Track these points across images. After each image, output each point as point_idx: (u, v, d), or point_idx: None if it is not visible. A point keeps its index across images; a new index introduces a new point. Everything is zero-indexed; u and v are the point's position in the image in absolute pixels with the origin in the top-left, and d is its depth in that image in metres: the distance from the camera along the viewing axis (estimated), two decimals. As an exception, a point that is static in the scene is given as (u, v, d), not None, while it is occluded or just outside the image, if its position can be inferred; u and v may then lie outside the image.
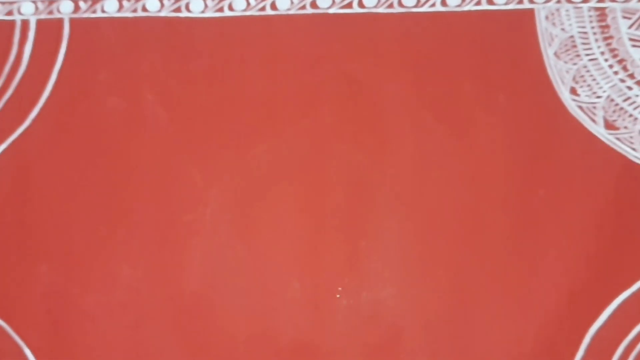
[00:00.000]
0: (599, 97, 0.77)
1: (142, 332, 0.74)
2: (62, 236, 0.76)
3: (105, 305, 0.74)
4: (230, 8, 0.77)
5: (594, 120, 0.77)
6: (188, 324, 0.74)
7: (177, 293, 0.75)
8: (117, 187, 0.76)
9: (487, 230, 0.76)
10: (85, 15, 0.77)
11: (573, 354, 0.75)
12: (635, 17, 0.77)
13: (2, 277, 0.75)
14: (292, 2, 0.77)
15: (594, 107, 0.77)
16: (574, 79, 0.78)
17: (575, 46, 0.78)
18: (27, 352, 0.74)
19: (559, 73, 0.78)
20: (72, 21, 0.77)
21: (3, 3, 0.76)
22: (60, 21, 0.77)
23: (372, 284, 0.76)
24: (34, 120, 0.76)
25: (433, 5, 0.78)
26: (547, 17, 0.78)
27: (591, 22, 0.78)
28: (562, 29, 0.78)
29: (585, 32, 0.78)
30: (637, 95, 0.77)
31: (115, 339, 0.74)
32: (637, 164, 0.76)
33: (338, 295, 0.75)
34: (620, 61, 0.78)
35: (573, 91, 0.78)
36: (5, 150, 0.76)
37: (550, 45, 0.78)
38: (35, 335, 0.74)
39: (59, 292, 0.75)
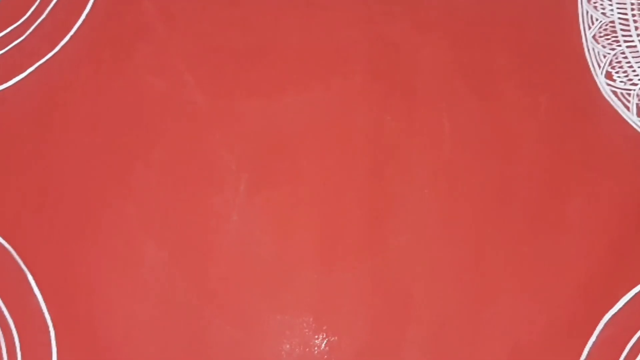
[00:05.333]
0: (634, 84, 0.76)
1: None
2: (81, 180, 0.74)
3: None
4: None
5: (627, 107, 0.76)
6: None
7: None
8: (138, 125, 0.75)
9: (510, 206, 0.75)
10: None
11: (585, 340, 0.73)
12: (677, 9, 0.77)
13: (17, 205, 0.73)
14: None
15: (629, 94, 0.76)
16: (610, 63, 0.77)
17: (614, 31, 0.77)
18: (31, 279, 0.72)
19: (596, 56, 0.77)
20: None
21: None
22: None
23: (389, 248, 0.74)
24: (64, 47, 0.75)
25: (476, -24, 0.78)
26: (589, 0, 0.77)
27: (633, 9, 0.77)
28: (603, 13, 0.77)
29: (626, 19, 0.77)
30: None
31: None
32: (668, 154, 0.75)
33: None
34: (658, 51, 0.77)
35: (609, 76, 0.77)
36: (31, 74, 0.75)
37: (589, 28, 0.77)
38: (42, 268, 0.73)
39: (75, 236, 0.73)
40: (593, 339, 0.73)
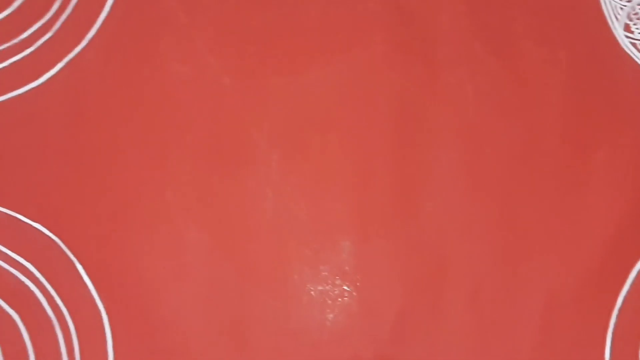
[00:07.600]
0: (652, 34, 0.77)
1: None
2: (118, 169, 0.76)
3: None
4: None
5: (646, 58, 0.77)
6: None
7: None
8: (170, 112, 0.77)
9: (537, 163, 0.77)
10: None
11: (619, 289, 0.75)
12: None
13: (59, 198, 0.76)
14: None
15: (648, 45, 0.77)
16: (628, 16, 0.78)
17: (630, -17, 0.78)
18: (80, 267, 0.75)
19: (614, 10, 0.78)
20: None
21: None
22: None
23: (418, 214, 0.76)
24: (91, 41, 0.77)
25: (489, -62, 0.78)
26: (603, -47, 0.78)
27: (647, -41, 0.78)
28: (618, -35, 0.78)
29: (641, -31, 0.78)
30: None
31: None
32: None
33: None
34: (675, -1, 0.78)
35: (627, 28, 0.78)
36: (61, 70, 0.77)
37: (605, -19, 0.78)
38: (90, 257, 0.75)
39: (119, 224, 0.76)
40: (627, 287, 0.75)
